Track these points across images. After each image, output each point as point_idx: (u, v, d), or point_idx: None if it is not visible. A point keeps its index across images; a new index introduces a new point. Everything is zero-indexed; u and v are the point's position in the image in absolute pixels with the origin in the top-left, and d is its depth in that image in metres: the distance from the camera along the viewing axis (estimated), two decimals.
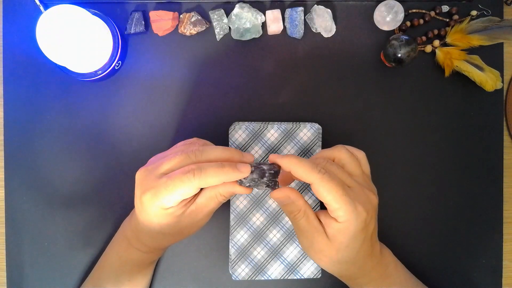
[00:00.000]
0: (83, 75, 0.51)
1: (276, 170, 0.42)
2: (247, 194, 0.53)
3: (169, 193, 0.39)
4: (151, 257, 0.49)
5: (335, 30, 0.54)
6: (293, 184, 0.53)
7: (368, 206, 0.41)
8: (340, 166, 0.43)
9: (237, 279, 0.54)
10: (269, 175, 0.41)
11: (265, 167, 0.41)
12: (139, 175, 0.42)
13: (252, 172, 0.41)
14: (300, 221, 0.42)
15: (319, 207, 0.54)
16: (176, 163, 0.40)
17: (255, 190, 0.53)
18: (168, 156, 0.41)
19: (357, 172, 0.43)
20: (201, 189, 0.42)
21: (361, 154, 0.45)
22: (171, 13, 0.53)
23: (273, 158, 0.41)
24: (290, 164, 0.40)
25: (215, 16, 0.53)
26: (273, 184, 0.42)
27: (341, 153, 0.43)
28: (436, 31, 0.54)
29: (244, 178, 0.41)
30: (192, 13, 0.53)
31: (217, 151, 0.42)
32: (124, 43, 0.53)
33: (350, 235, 0.40)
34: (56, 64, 0.47)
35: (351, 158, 0.43)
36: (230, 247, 0.53)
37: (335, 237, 0.41)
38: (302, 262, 0.53)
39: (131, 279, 0.49)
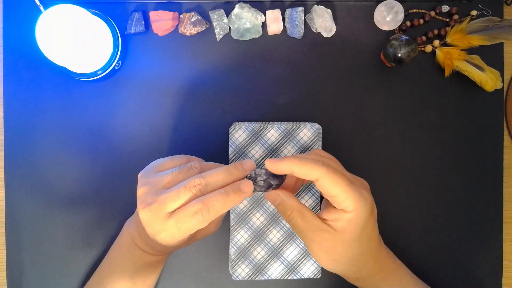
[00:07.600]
0: (83, 75, 0.51)
1: (280, 182, 0.42)
2: None
3: (183, 234, 0.40)
4: (161, 258, 0.49)
5: (335, 30, 0.54)
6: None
7: (367, 189, 0.43)
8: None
9: (237, 279, 0.54)
10: (275, 187, 0.42)
11: (272, 182, 0.41)
12: (145, 216, 0.41)
13: (257, 183, 0.41)
14: (297, 221, 0.42)
15: (319, 208, 0.54)
16: (181, 201, 0.40)
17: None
18: (170, 193, 0.40)
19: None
20: None
21: None
22: (171, 13, 0.53)
23: (271, 165, 0.40)
24: (292, 166, 0.40)
25: (215, 16, 0.53)
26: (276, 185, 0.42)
27: (320, 151, 0.46)
28: (436, 31, 0.54)
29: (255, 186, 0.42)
30: (192, 13, 0.53)
31: (219, 177, 0.41)
32: (124, 43, 0.53)
33: (362, 222, 0.41)
34: (56, 64, 0.47)
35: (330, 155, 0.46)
36: (230, 247, 0.53)
37: (346, 229, 0.41)
38: (302, 262, 0.53)
39: (145, 279, 0.49)
